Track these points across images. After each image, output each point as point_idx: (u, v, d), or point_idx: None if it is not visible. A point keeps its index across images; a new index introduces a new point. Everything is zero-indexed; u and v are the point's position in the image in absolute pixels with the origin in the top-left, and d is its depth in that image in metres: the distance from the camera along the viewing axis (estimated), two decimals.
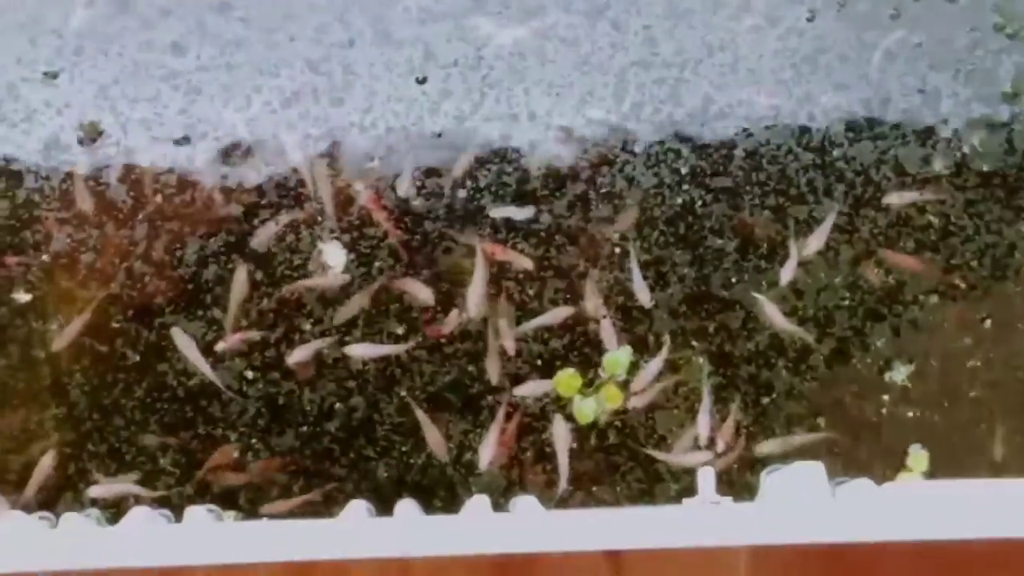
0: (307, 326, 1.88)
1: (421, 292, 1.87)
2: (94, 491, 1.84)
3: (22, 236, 1.89)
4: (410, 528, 1.52)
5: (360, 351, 1.87)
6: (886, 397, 1.88)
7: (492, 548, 1.47)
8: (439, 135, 1.91)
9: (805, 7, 1.93)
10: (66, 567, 1.43)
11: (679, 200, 1.90)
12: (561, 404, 1.86)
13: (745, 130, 1.92)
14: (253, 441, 1.87)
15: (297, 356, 1.86)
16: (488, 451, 1.86)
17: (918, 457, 1.86)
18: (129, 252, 1.88)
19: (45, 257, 1.87)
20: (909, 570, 1.52)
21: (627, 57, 1.93)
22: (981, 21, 1.93)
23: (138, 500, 1.83)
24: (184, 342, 1.85)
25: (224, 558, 1.45)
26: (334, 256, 1.89)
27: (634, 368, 1.86)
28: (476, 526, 1.53)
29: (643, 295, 1.89)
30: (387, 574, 1.52)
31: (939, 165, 1.91)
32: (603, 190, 1.91)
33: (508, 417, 1.87)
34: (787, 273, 1.88)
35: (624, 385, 1.86)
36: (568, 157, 1.92)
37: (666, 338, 1.88)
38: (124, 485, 1.83)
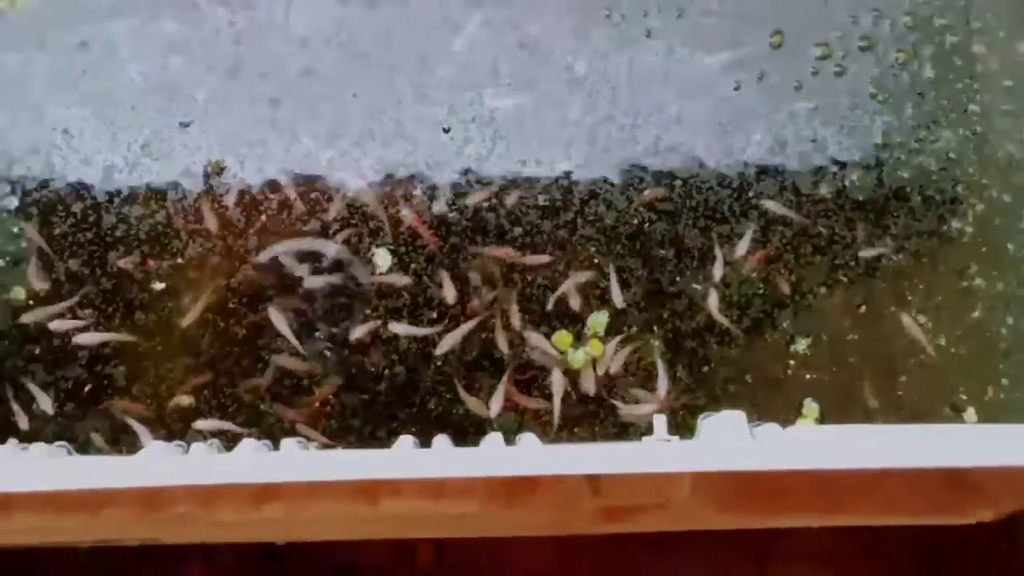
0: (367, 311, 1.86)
1: (449, 290, 1.86)
2: (200, 424, 1.84)
3: (161, 243, 1.88)
4: (444, 457, 1.51)
5: (403, 330, 1.87)
6: (791, 362, 1.87)
7: (503, 472, 1.49)
8: (464, 171, 1.90)
9: (733, 79, 1.91)
10: (194, 482, 1.40)
11: (636, 220, 1.88)
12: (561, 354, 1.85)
13: (680, 169, 1.90)
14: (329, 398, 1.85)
15: (358, 333, 1.86)
16: (498, 402, 1.85)
17: (811, 408, 1.86)
18: (242, 255, 1.88)
19: (179, 259, 1.87)
20: (804, 491, 1.54)
21: (599, 114, 1.92)
22: (861, 92, 1.91)
23: (233, 436, 1.82)
24: (278, 319, 1.85)
25: (310, 476, 1.45)
26: (383, 259, 1.89)
27: (610, 327, 1.86)
28: (492, 455, 1.54)
29: (617, 297, 1.87)
30: (427, 490, 1.55)
31: (825, 191, 1.89)
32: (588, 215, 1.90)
33: (514, 377, 1.85)
34: (718, 271, 1.87)
35: (603, 339, 1.85)
36: (558, 188, 1.90)
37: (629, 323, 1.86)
38: (225, 423, 1.84)
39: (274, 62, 1.92)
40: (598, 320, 1.85)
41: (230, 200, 1.88)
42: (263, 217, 1.88)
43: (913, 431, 1.67)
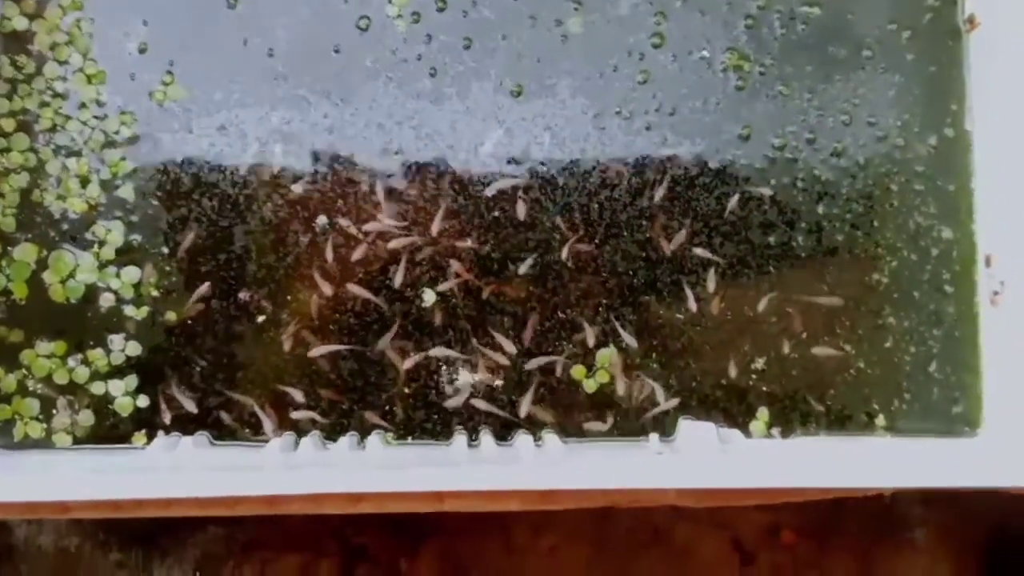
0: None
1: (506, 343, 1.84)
2: (294, 414, 1.80)
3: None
4: (500, 471, 1.55)
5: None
6: (753, 376, 1.88)
7: (543, 486, 1.54)
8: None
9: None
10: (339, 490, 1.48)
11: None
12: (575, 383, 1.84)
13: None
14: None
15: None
16: (525, 407, 1.84)
17: (763, 412, 1.88)
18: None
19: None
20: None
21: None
22: (808, 177, 1.90)
23: (317, 424, 1.79)
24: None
25: (398, 487, 1.50)
26: (428, 296, 1.84)
27: (613, 364, 1.84)
28: (532, 470, 1.60)
29: (630, 341, 1.85)
30: (483, 495, 1.61)
31: (774, 246, 1.88)
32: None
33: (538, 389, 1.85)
34: (692, 306, 1.86)
35: (609, 372, 1.84)
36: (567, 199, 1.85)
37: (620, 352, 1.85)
38: (312, 413, 1.80)
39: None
40: (606, 354, 1.85)
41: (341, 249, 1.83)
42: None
43: (845, 445, 1.77)
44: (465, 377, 1.81)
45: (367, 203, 1.82)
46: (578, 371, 1.83)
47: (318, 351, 1.79)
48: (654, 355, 1.82)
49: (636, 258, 1.84)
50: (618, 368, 1.86)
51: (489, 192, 1.82)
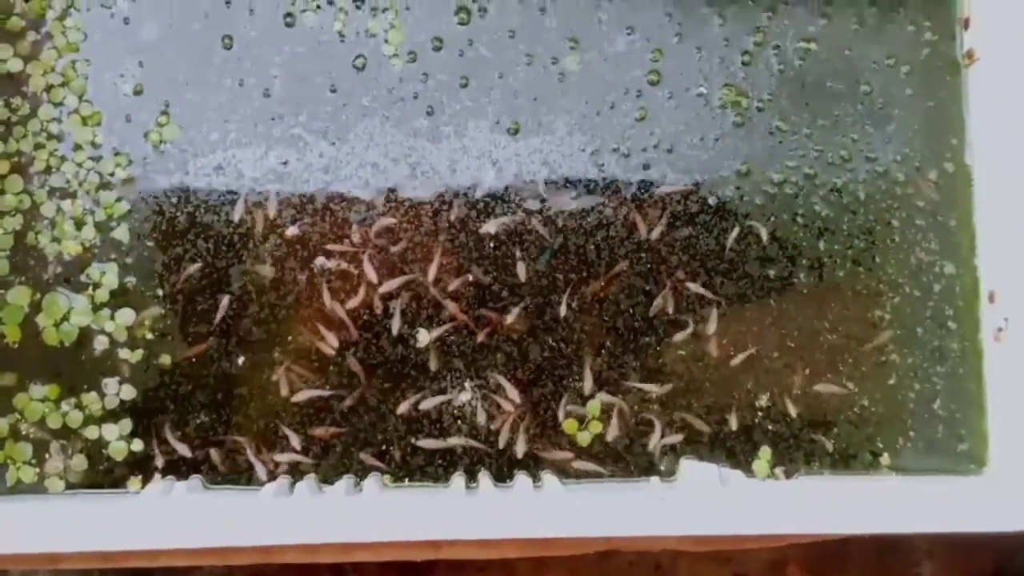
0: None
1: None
2: (279, 457, 1.72)
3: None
4: (500, 519, 1.49)
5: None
6: (756, 415, 1.81)
7: (543, 534, 1.48)
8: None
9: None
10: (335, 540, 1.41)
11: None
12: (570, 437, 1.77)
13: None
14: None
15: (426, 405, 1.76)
16: (522, 447, 1.77)
17: (765, 452, 1.82)
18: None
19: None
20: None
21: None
22: (809, 213, 1.85)
23: (312, 467, 1.71)
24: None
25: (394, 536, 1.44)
26: (422, 337, 1.77)
27: (605, 410, 1.77)
28: (532, 516, 1.53)
29: (629, 383, 1.78)
30: (479, 542, 1.56)
31: (775, 279, 1.82)
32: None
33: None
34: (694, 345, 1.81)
35: (602, 420, 1.78)
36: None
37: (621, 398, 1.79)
38: (306, 458, 1.72)
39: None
40: (596, 404, 1.78)
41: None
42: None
43: (850, 485, 1.70)
44: (463, 415, 1.75)
45: (363, 242, 1.76)
46: (570, 425, 1.75)
47: (302, 396, 1.72)
48: (654, 395, 1.76)
49: (634, 298, 1.78)
50: (616, 411, 1.79)
51: (486, 230, 1.75)
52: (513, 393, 1.72)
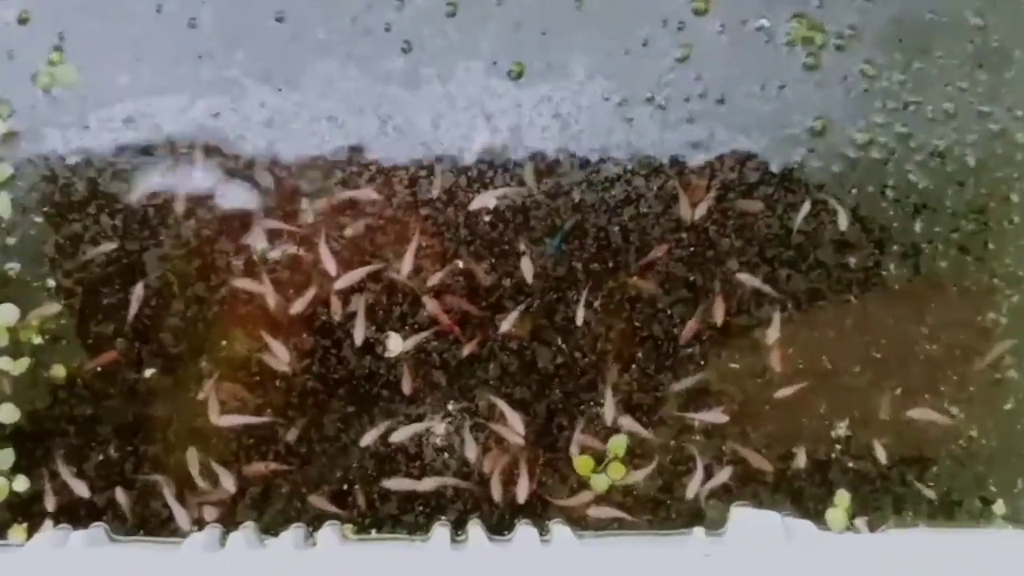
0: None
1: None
2: (207, 500, 1.51)
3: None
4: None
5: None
6: (830, 449, 1.56)
7: None
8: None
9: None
10: None
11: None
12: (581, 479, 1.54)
13: None
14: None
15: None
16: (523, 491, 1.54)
17: (843, 497, 1.55)
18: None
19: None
20: None
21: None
22: (900, 179, 1.56)
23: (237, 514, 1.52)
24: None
25: None
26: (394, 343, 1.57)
27: (630, 449, 1.54)
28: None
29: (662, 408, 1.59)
30: None
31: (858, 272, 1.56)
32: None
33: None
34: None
35: (624, 461, 1.54)
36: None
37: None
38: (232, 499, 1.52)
39: None
40: (619, 442, 1.54)
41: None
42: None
43: (954, 540, 1.52)
44: (448, 448, 1.55)
45: (319, 220, 1.54)
46: (583, 464, 1.53)
47: (237, 421, 1.52)
48: (696, 423, 1.55)
49: (673, 294, 1.56)
50: (644, 446, 1.56)
51: (480, 205, 1.55)
52: (514, 419, 1.52)
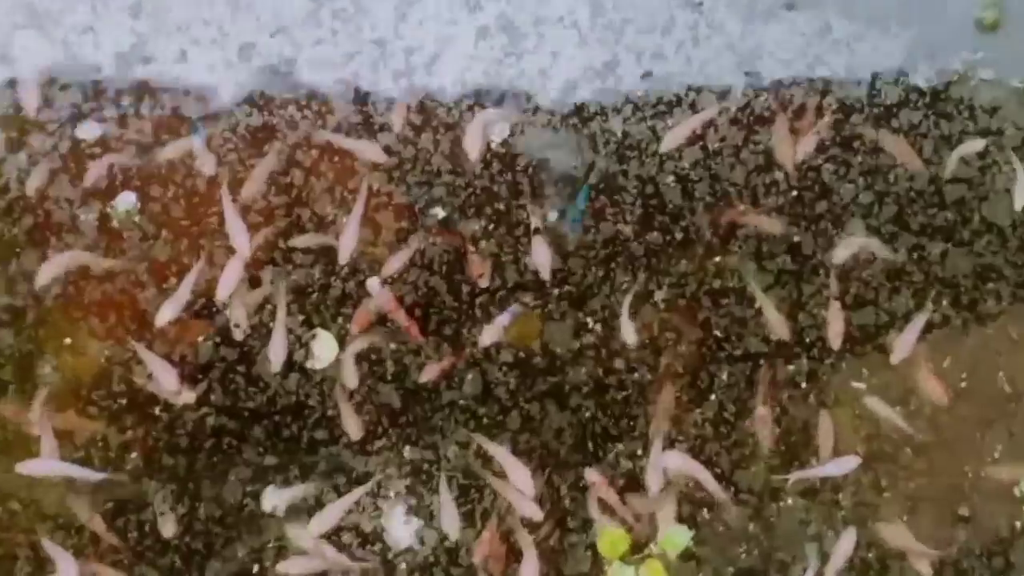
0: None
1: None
2: None
3: None
4: None
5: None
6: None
7: None
8: None
9: None
10: None
11: None
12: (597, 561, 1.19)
13: None
14: None
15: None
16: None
17: None
18: None
19: None
20: None
21: None
22: None
23: None
24: None
25: None
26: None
27: (688, 554, 1.18)
28: None
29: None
30: None
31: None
32: None
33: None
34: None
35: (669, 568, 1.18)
36: None
37: None
38: None
39: None
40: (675, 536, 1.15)
41: None
42: None
43: None
44: (406, 526, 1.16)
45: (212, 162, 1.21)
46: (609, 546, 1.15)
47: (27, 468, 1.16)
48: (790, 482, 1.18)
49: (756, 280, 1.19)
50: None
51: (467, 148, 1.20)
52: (519, 473, 1.13)
